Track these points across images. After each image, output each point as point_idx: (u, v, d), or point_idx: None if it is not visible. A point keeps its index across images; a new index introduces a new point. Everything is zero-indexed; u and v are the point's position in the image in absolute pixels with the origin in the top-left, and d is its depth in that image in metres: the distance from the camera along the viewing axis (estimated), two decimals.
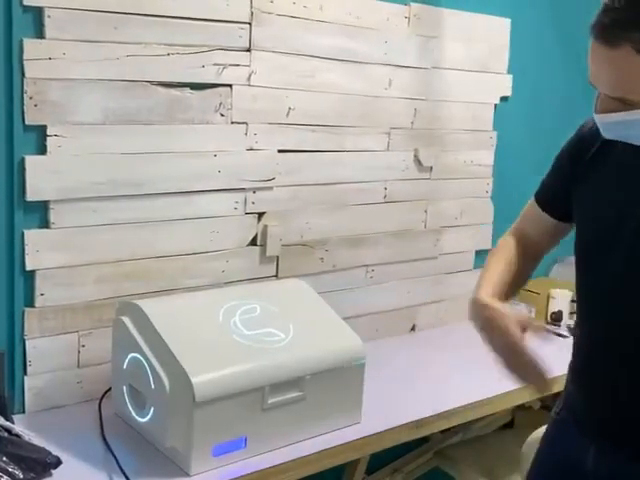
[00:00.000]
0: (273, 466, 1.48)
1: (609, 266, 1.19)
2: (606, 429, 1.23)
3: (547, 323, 2.45)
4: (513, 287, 1.34)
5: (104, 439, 1.51)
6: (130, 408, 1.53)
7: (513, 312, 1.20)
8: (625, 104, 1.06)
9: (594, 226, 1.24)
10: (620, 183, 1.20)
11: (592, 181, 1.25)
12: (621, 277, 1.17)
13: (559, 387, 2.10)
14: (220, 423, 1.42)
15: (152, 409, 1.46)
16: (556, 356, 2.15)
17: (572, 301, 2.51)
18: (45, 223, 1.57)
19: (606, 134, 1.13)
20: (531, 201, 1.42)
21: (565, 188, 1.31)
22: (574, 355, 1.31)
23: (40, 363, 1.61)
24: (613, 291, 1.19)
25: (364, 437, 1.62)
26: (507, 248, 1.39)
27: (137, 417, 1.51)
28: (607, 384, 1.22)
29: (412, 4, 2.09)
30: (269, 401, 1.48)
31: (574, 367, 1.31)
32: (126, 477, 1.36)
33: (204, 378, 1.39)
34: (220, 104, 1.77)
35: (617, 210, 1.19)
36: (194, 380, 1.37)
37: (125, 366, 1.52)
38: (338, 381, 1.60)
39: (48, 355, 1.62)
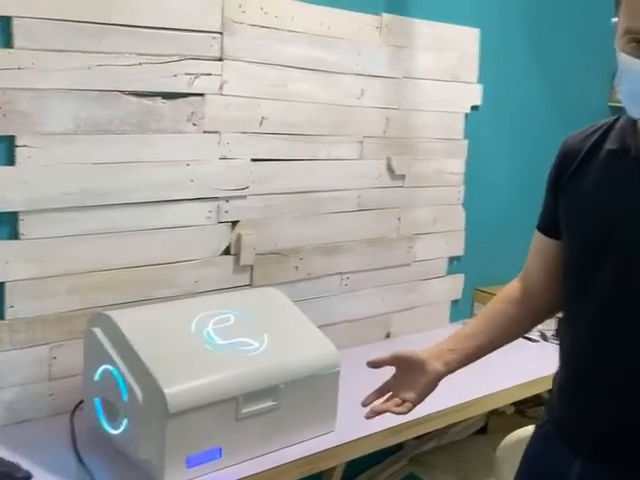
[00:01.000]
0: (249, 476, 1.47)
1: (600, 278, 1.18)
2: (598, 444, 1.20)
3: None
4: (485, 347, 1.36)
5: (77, 452, 1.49)
6: (103, 420, 1.52)
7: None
8: None
9: (582, 237, 1.22)
10: (604, 192, 1.19)
11: (577, 192, 1.24)
12: (613, 289, 1.16)
13: (531, 392, 2.15)
14: (194, 434, 1.41)
15: (125, 421, 1.45)
16: (528, 360, 2.21)
17: None
18: (14, 234, 1.55)
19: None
20: (535, 236, 1.37)
21: (556, 207, 1.29)
22: (562, 368, 1.29)
23: (10, 376, 1.59)
24: (606, 304, 1.17)
25: (339, 445, 1.62)
26: (500, 301, 1.39)
27: (110, 429, 1.50)
28: (599, 400, 1.20)
29: (383, 14, 2.11)
30: (243, 411, 1.48)
31: (562, 380, 1.29)
32: None
33: (177, 389, 1.38)
34: (192, 113, 1.77)
35: (604, 220, 1.18)
36: (167, 391, 1.37)
37: (97, 378, 1.51)
38: (313, 390, 1.60)
39: (19, 368, 1.59)
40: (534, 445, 1.37)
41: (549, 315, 1.42)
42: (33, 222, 1.57)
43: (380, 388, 1.35)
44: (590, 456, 1.21)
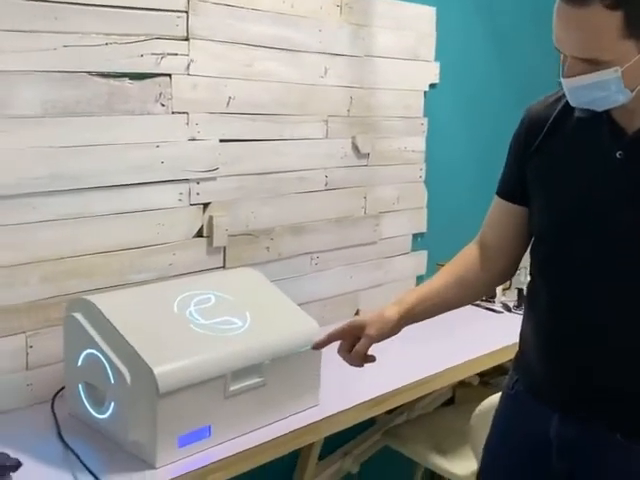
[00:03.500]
0: (238, 452, 1.48)
1: (579, 240, 1.22)
2: (573, 397, 1.25)
3: (481, 300, 2.55)
4: (438, 305, 1.38)
5: (62, 439, 1.46)
6: (87, 406, 1.49)
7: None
8: (593, 65, 1.09)
9: (560, 201, 1.25)
10: (579, 157, 1.23)
11: (550, 157, 1.27)
12: (593, 250, 1.20)
13: (496, 361, 2.22)
14: (184, 413, 1.41)
15: (112, 404, 1.43)
16: (492, 331, 2.27)
17: None
18: None
19: (573, 100, 1.17)
20: (494, 202, 1.40)
21: (523, 173, 1.31)
22: (535, 328, 1.32)
23: None
24: (586, 264, 1.21)
25: (324, 418, 1.64)
26: (457, 263, 1.41)
27: (95, 414, 1.48)
28: (575, 356, 1.24)
29: None
30: (231, 388, 1.48)
31: (536, 339, 1.32)
32: (91, 473, 1.33)
33: (166, 368, 1.38)
34: (160, 94, 1.75)
35: (581, 184, 1.22)
36: (156, 371, 1.36)
37: (80, 363, 1.48)
38: (296, 365, 1.61)
39: None
40: (505, 406, 1.41)
41: (503, 279, 1.46)
42: (3, 208, 1.52)
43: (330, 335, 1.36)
44: (567, 408, 1.26)
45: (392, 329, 1.33)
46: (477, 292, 1.46)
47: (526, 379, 1.35)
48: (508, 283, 2.64)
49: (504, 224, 1.38)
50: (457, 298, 1.40)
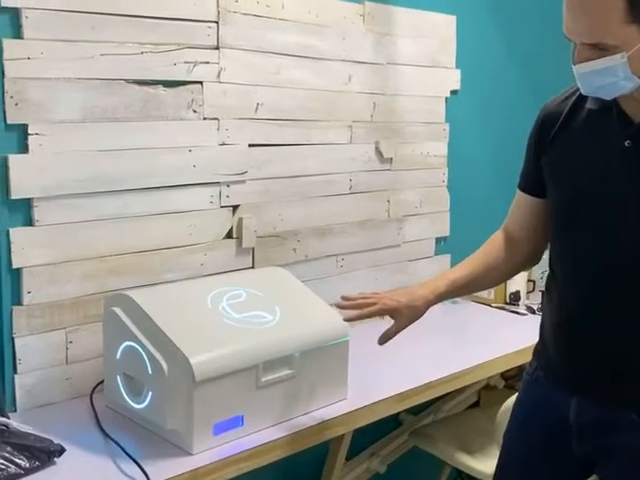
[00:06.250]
0: (269, 442, 1.53)
1: (584, 240, 1.28)
2: (589, 380, 1.30)
3: (506, 303, 2.59)
4: (467, 287, 1.50)
5: (101, 428, 1.53)
6: (125, 397, 1.56)
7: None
8: (601, 51, 1.15)
9: (570, 193, 1.32)
10: (588, 150, 1.29)
11: (562, 151, 1.34)
12: (602, 241, 1.26)
13: (522, 361, 2.24)
14: (219, 402, 1.47)
15: (150, 394, 1.49)
16: (516, 333, 2.30)
17: (528, 280, 2.65)
18: (29, 221, 1.59)
19: (584, 87, 1.22)
20: (517, 195, 1.49)
21: (539, 166, 1.39)
22: (553, 314, 1.38)
23: (30, 361, 1.62)
24: (596, 255, 1.27)
25: (353, 410, 1.69)
26: (484, 250, 1.50)
27: (133, 404, 1.54)
28: (589, 339, 1.30)
29: (366, 2, 2.19)
30: (263, 379, 1.53)
31: (553, 326, 1.37)
32: (133, 459, 1.39)
33: (202, 358, 1.44)
34: (192, 100, 1.83)
35: (588, 177, 1.28)
36: (192, 360, 1.42)
37: (118, 356, 1.55)
38: (325, 358, 1.66)
39: (37, 353, 1.63)
40: (525, 393, 1.47)
41: (528, 263, 1.54)
42: (47, 209, 1.60)
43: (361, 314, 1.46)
44: (584, 391, 1.31)
45: (421, 315, 1.46)
46: (501, 276, 1.54)
47: (545, 365, 1.40)
48: (532, 286, 2.67)
49: (525, 215, 1.46)
50: (484, 282, 1.51)
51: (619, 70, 1.15)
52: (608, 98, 1.23)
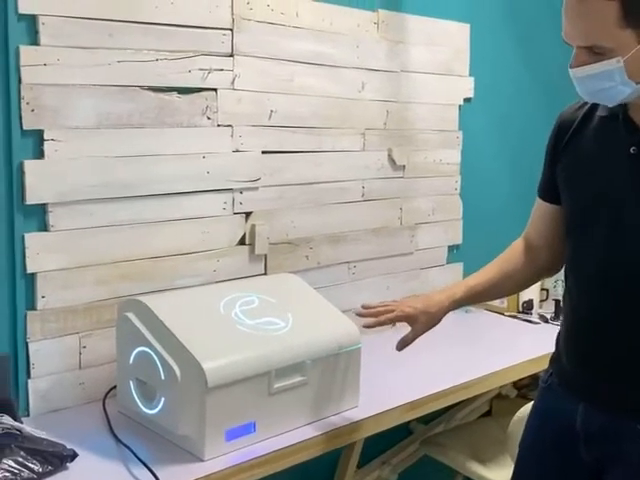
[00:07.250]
0: (281, 448, 1.52)
1: (593, 246, 1.28)
2: (595, 386, 1.31)
3: (519, 312, 2.57)
4: (485, 294, 1.51)
5: (113, 434, 1.53)
6: (138, 402, 1.56)
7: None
8: (597, 55, 1.15)
9: (581, 200, 1.32)
10: (598, 157, 1.30)
11: (574, 158, 1.34)
12: (610, 248, 1.26)
13: (534, 369, 2.23)
14: (231, 408, 1.47)
15: (162, 400, 1.49)
16: (529, 341, 2.29)
17: (542, 289, 2.64)
18: (44, 226, 1.60)
19: (581, 90, 1.23)
20: (536, 202, 1.49)
21: (554, 173, 1.39)
22: (566, 319, 1.39)
23: (43, 366, 1.62)
24: (603, 261, 1.27)
25: (365, 418, 1.68)
26: (504, 257, 1.51)
27: (146, 410, 1.54)
28: (598, 344, 1.30)
29: (380, 10, 2.20)
30: (275, 385, 1.53)
31: (566, 330, 1.38)
32: (145, 465, 1.39)
33: (215, 364, 1.44)
34: (206, 107, 1.84)
35: (598, 183, 1.28)
36: (205, 366, 1.42)
37: (131, 361, 1.55)
38: (337, 366, 1.66)
39: (50, 357, 1.63)
40: (539, 400, 1.47)
41: (547, 272, 1.53)
42: (61, 214, 1.62)
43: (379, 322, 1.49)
44: (590, 398, 1.31)
45: (437, 322, 1.48)
46: (520, 284, 1.54)
47: (558, 371, 1.41)
48: (545, 294, 2.66)
49: (544, 222, 1.46)
50: (502, 289, 1.52)
51: (615, 75, 1.15)
52: (609, 104, 1.24)
